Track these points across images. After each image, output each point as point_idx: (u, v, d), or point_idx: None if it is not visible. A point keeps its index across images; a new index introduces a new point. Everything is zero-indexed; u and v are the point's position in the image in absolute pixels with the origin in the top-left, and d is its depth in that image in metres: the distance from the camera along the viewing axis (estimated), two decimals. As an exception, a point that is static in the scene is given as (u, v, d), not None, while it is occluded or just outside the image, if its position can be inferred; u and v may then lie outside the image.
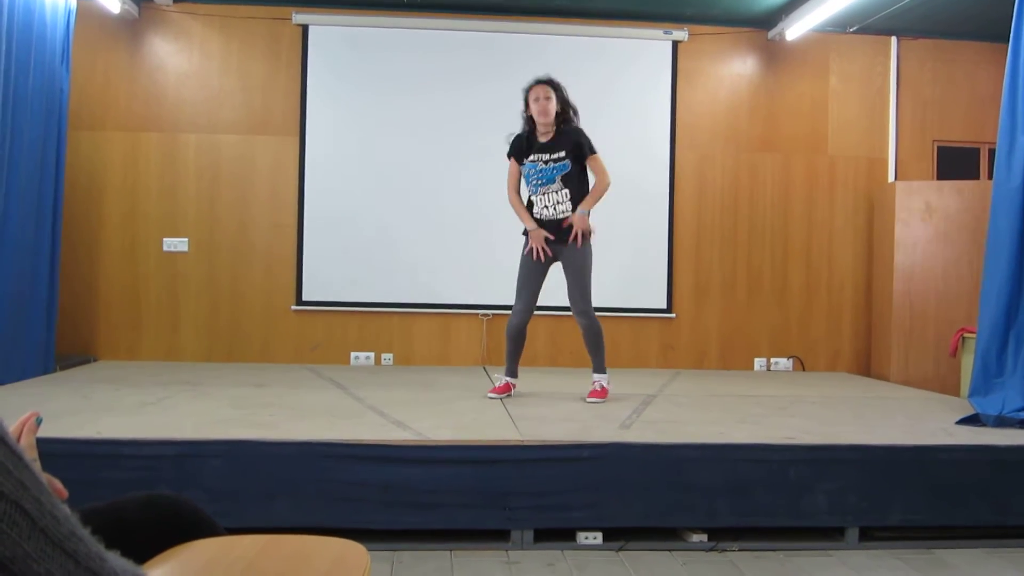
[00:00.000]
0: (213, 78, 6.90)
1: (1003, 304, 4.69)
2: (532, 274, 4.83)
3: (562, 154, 4.69)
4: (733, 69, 7.28)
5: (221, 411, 4.27)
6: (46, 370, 5.78)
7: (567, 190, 4.70)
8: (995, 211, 4.83)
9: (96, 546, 0.75)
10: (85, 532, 0.75)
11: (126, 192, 6.78)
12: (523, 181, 4.83)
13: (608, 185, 4.75)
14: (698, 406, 4.87)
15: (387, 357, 6.94)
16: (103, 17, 6.63)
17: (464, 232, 6.94)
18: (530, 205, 4.84)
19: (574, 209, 4.70)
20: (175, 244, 6.80)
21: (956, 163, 7.42)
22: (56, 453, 2.92)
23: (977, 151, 7.43)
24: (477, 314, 6.98)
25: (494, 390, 4.96)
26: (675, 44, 7.16)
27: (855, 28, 7.11)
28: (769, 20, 7.05)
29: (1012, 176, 4.69)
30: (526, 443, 3.60)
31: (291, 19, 6.88)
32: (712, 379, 6.38)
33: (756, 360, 7.22)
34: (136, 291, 6.78)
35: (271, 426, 3.84)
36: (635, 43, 7.16)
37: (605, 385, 4.90)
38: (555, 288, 6.95)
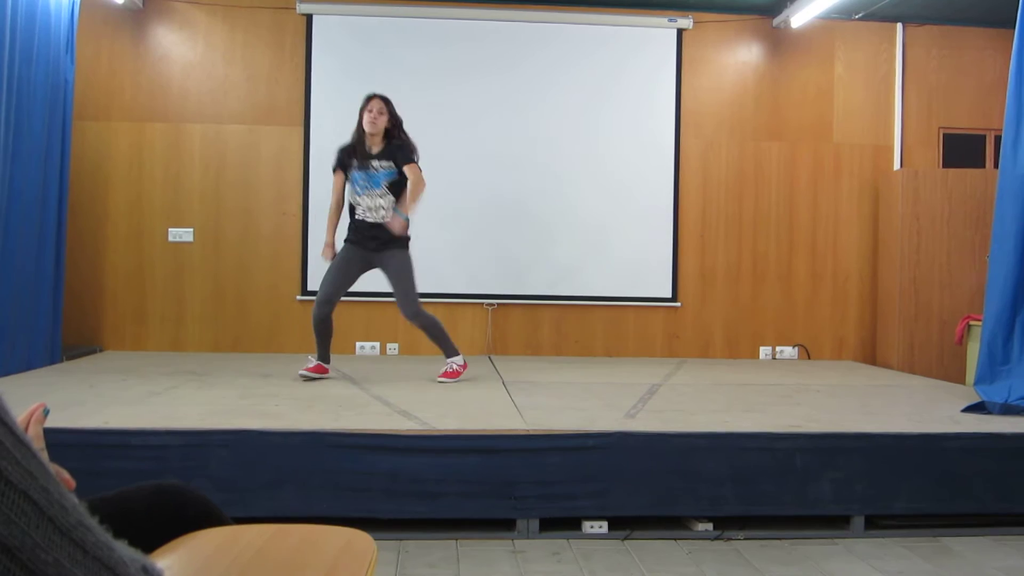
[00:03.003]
0: (218, 68, 6.89)
1: (1009, 292, 4.68)
2: (343, 273, 5.07)
3: (390, 163, 4.98)
4: (738, 57, 7.25)
5: (227, 401, 4.28)
6: (52, 360, 5.80)
7: (391, 196, 4.97)
8: (1001, 198, 4.81)
9: (104, 535, 0.75)
10: (93, 521, 0.75)
11: (131, 182, 6.78)
12: (349, 187, 5.06)
13: (423, 189, 5.00)
14: (703, 395, 4.87)
15: (392, 347, 6.94)
16: (107, 7, 6.63)
17: (469, 222, 6.93)
18: (352, 209, 5.06)
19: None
20: (180, 234, 6.80)
21: (962, 150, 7.39)
22: (63, 443, 2.93)
23: (983, 138, 7.40)
24: (483, 304, 6.98)
25: (309, 369, 5.10)
26: (679, 32, 7.13)
27: (860, 15, 7.07)
28: (774, 7, 7.01)
29: (1018, 163, 4.68)
30: (532, 432, 3.60)
31: (295, 8, 6.86)
32: (717, 368, 6.38)
33: (761, 348, 7.21)
34: (142, 281, 6.79)
35: (277, 416, 3.85)
36: (639, 31, 7.13)
37: (460, 365, 5.18)
38: (558, 280, 6.97)
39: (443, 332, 5.13)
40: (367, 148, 4.99)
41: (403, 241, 5.04)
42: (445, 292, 6.94)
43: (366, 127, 4.95)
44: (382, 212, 4.97)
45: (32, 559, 0.67)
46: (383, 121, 4.96)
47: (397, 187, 4.99)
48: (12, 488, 0.68)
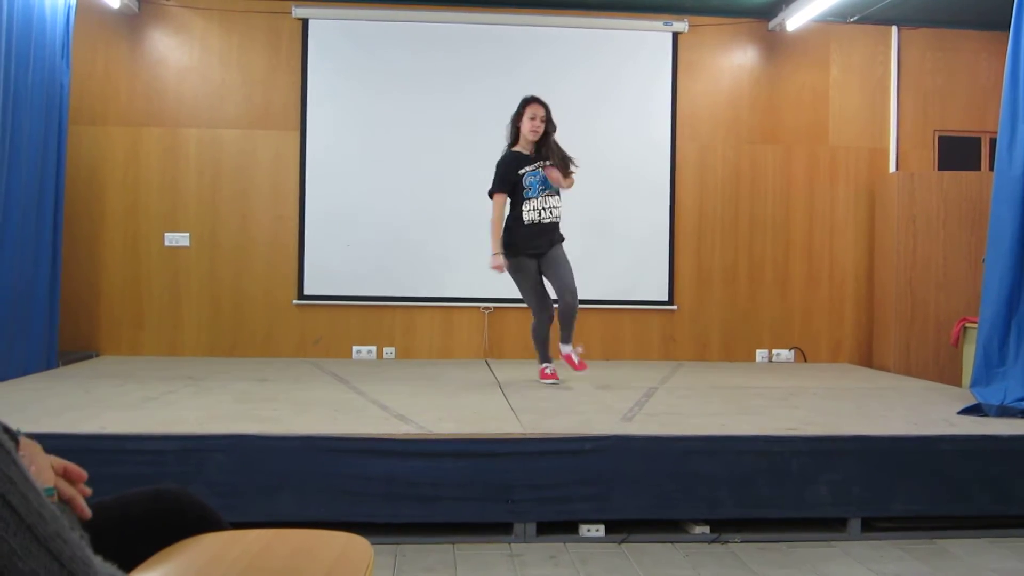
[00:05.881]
0: (214, 73, 6.89)
1: (1004, 294, 4.69)
2: (538, 283, 5.17)
3: (540, 164, 5.06)
4: (734, 60, 7.26)
5: (224, 406, 4.27)
6: (48, 365, 5.79)
7: (559, 196, 5.10)
8: (996, 201, 4.82)
9: (82, 550, 0.74)
10: (72, 535, 0.74)
11: (127, 187, 6.78)
12: (525, 192, 5.04)
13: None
14: (700, 398, 4.88)
15: (389, 351, 6.94)
16: (103, 12, 6.63)
17: (465, 225, 6.93)
18: (518, 219, 5.05)
19: (559, 214, 5.13)
20: (176, 239, 6.80)
21: (957, 153, 7.41)
22: (59, 448, 2.91)
23: (978, 140, 7.42)
24: (479, 307, 6.98)
25: (549, 376, 5.24)
26: (675, 35, 7.14)
27: (855, 18, 7.09)
28: (769, 11, 7.03)
29: (1013, 165, 4.68)
30: (528, 436, 3.60)
31: (291, 13, 6.87)
32: (714, 371, 6.38)
33: (758, 351, 7.22)
34: (138, 286, 6.79)
35: (274, 420, 3.85)
36: (636, 35, 7.15)
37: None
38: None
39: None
40: (528, 153, 5.07)
41: (561, 237, 5.16)
42: (442, 296, 6.95)
43: (529, 134, 5.01)
44: (556, 211, 5.07)
45: (8, 567, 0.66)
46: (542, 129, 5.03)
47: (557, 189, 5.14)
48: None
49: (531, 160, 5.05)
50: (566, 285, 5.05)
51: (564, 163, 5.10)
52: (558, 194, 5.10)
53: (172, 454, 3.44)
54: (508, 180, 5.05)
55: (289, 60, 6.93)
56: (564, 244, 5.14)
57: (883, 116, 7.34)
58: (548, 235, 5.07)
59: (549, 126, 5.05)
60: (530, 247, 5.05)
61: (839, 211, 7.29)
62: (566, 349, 5.19)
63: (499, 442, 3.57)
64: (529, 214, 5.02)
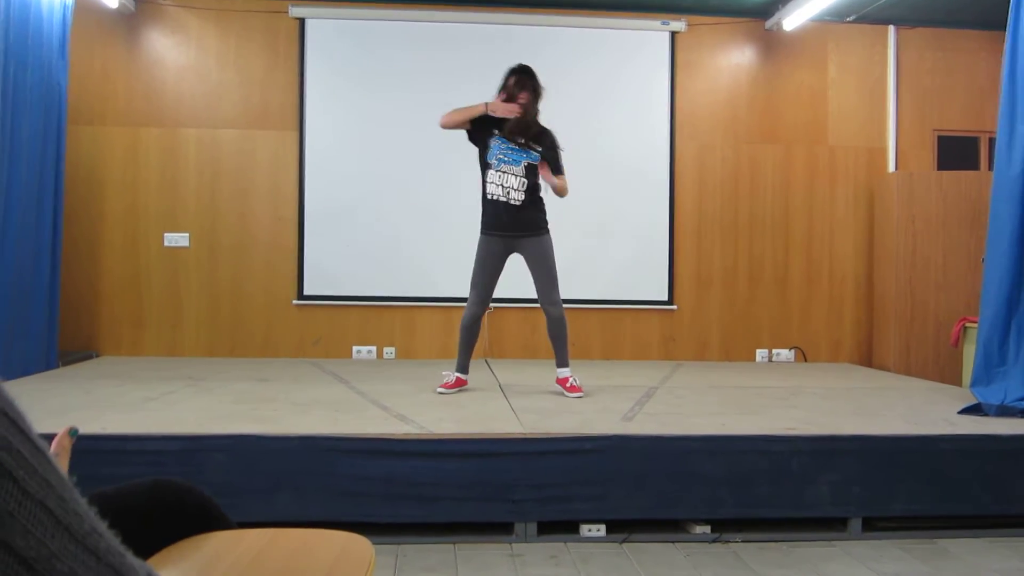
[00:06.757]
0: (211, 72, 6.89)
1: (1004, 293, 4.69)
2: (493, 268, 4.69)
3: (538, 148, 4.59)
4: (732, 59, 7.26)
5: (224, 406, 4.27)
6: (48, 366, 5.78)
7: (526, 180, 4.57)
8: (995, 200, 4.82)
9: (115, 541, 0.75)
10: (104, 526, 0.75)
11: (126, 187, 6.78)
12: (487, 154, 4.62)
13: (567, 193, 4.70)
14: (700, 398, 4.88)
15: (389, 351, 6.93)
16: (100, 12, 6.62)
17: (465, 224, 6.90)
18: (483, 184, 4.65)
19: (527, 202, 4.56)
20: (176, 239, 6.79)
21: (956, 152, 7.41)
22: (59, 449, 2.92)
23: (977, 140, 7.42)
24: (478, 307, 6.97)
25: (445, 385, 4.80)
26: (673, 35, 7.14)
27: (853, 18, 7.09)
28: (767, 10, 7.03)
29: (1012, 165, 4.68)
30: (529, 436, 3.60)
31: (288, 12, 6.86)
32: (714, 371, 6.38)
33: (758, 351, 7.22)
34: (137, 286, 6.78)
35: (274, 420, 3.85)
36: (633, 34, 7.15)
37: (577, 382, 4.76)
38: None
39: (567, 336, 4.71)
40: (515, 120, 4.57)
41: (544, 224, 4.64)
42: (441, 296, 6.94)
43: (510, 112, 4.53)
44: (513, 193, 4.53)
45: (47, 569, 0.67)
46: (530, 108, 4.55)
47: (535, 173, 4.58)
48: (29, 499, 0.68)
49: (507, 127, 4.56)
50: (547, 296, 4.63)
51: (553, 160, 4.60)
52: (524, 177, 4.55)
53: (173, 454, 3.44)
54: (479, 127, 4.62)
55: (287, 60, 6.92)
56: (554, 243, 4.65)
57: (881, 116, 7.34)
58: (511, 216, 4.55)
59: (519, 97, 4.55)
60: (494, 226, 4.60)
61: (838, 211, 7.30)
62: (563, 373, 4.74)
63: (500, 442, 3.58)
64: (489, 187, 4.58)
